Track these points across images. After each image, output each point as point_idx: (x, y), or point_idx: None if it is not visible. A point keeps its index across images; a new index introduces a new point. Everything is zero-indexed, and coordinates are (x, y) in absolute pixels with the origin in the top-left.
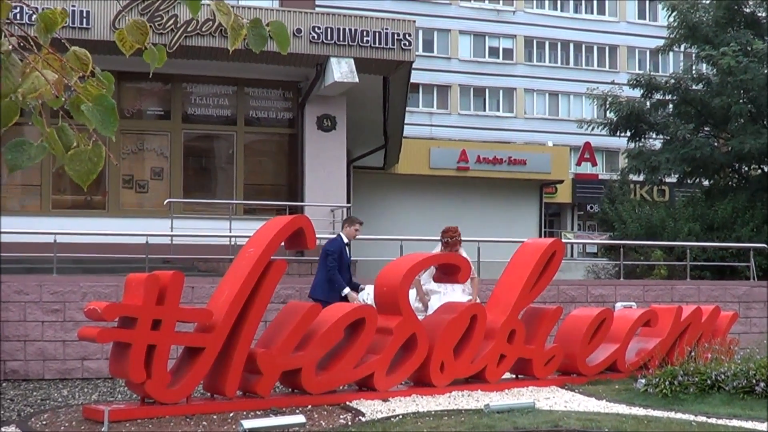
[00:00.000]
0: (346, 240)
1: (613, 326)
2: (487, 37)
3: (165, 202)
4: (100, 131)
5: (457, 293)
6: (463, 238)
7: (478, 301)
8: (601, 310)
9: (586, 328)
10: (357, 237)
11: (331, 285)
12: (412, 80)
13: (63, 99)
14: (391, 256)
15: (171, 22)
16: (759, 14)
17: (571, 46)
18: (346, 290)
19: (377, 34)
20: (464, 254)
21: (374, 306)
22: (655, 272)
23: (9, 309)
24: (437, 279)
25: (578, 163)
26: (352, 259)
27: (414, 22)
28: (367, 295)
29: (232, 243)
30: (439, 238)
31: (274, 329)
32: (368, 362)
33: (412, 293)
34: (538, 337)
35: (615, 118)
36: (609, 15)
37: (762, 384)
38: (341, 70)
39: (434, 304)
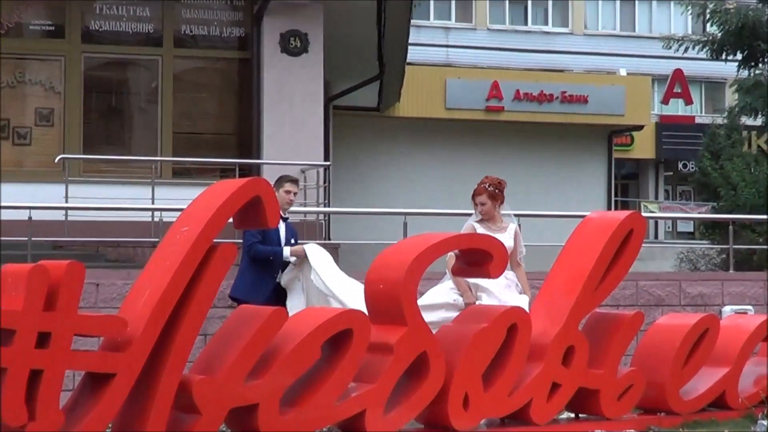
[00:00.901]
0: None
1: (719, 341)
2: None
3: (57, 160)
4: None
5: (513, 291)
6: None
7: (528, 297)
8: (701, 317)
9: (680, 345)
10: (293, 204)
11: (260, 271)
12: None
13: None
14: (391, 238)
15: None
16: None
17: None
18: (287, 251)
19: None
20: (511, 225)
21: (357, 305)
22: None
23: None
24: (457, 272)
25: (665, 101)
26: (332, 242)
27: None
28: (313, 257)
29: (156, 219)
30: (462, 212)
31: (219, 346)
32: (357, 395)
33: (445, 284)
34: (608, 358)
35: (719, 34)
36: None
37: None
38: None
39: (486, 304)
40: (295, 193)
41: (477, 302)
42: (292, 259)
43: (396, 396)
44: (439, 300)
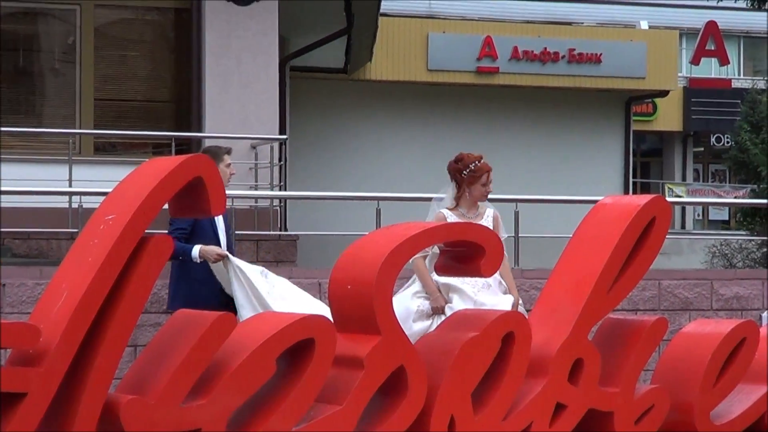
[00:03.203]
0: None
1: (758, 354)
2: None
3: None
4: None
5: (494, 292)
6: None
7: (520, 303)
8: (737, 324)
9: (711, 358)
10: (228, 178)
11: (199, 274)
12: None
13: None
14: (361, 228)
15: None
16: None
17: None
18: (195, 250)
19: None
20: (488, 210)
21: (321, 311)
22: None
23: None
24: (441, 269)
25: (695, 60)
26: (289, 233)
27: None
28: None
29: (75, 206)
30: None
31: (152, 360)
32: (320, 419)
33: (409, 290)
34: (623, 374)
35: None
36: None
37: None
38: None
39: (457, 308)
40: (232, 166)
41: (447, 306)
42: (199, 260)
43: (367, 419)
44: (401, 309)
